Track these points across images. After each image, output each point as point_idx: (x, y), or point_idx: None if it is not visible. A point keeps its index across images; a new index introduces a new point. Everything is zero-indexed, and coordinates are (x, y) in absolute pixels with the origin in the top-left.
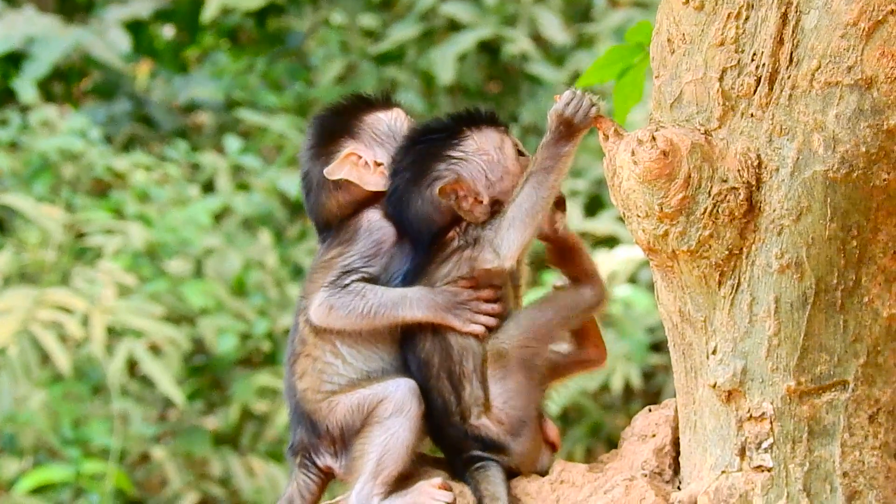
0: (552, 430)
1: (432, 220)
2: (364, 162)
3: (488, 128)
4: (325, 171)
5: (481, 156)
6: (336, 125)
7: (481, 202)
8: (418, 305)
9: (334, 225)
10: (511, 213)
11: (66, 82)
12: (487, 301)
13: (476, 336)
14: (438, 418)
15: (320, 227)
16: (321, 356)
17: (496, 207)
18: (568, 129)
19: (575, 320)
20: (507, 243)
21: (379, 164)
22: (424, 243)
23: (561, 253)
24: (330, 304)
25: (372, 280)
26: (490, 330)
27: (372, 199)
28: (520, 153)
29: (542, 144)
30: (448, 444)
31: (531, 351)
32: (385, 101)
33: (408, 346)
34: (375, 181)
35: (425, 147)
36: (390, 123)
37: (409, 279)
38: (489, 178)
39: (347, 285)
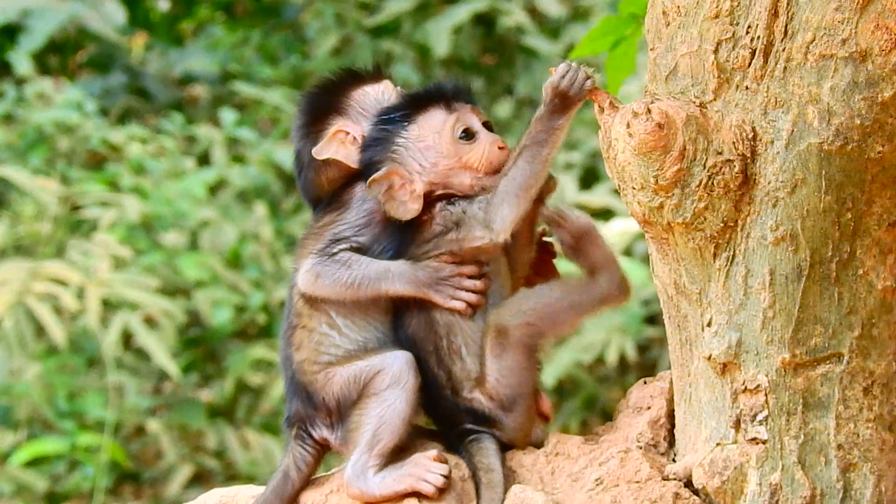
0: (545, 402)
1: None
2: (352, 138)
3: (436, 108)
4: (313, 150)
5: (418, 143)
6: (324, 102)
7: (414, 191)
8: (400, 280)
9: (325, 199)
10: (503, 187)
11: (61, 55)
12: (470, 277)
13: (459, 312)
14: (431, 391)
15: (312, 203)
16: (317, 328)
17: (434, 195)
18: (563, 102)
19: (589, 309)
20: (500, 217)
21: None
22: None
23: (574, 243)
24: (317, 272)
25: (361, 250)
26: (473, 307)
27: (362, 173)
28: (465, 136)
29: (536, 117)
30: (441, 416)
31: (534, 330)
32: (375, 74)
33: (397, 322)
34: None
35: (381, 130)
36: (378, 97)
37: (393, 257)
38: (422, 164)
39: (335, 254)
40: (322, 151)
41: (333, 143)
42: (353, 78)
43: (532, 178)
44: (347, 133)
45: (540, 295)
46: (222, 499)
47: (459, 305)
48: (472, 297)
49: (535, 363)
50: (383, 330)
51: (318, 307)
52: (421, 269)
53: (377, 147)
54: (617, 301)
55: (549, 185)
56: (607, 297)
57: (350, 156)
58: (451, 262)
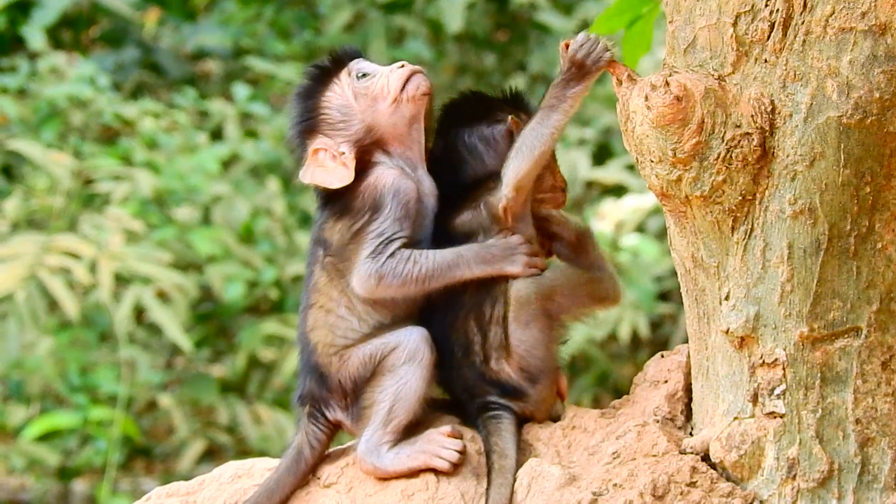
0: (562, 381)
1: (469, 161)
2: (331, 155)
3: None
4: (299, 175)
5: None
6: (301, 115)
7: (344, 153)
8: (475, 262)
9: (330, 194)
10: (514, 146)
11: (74, 30)
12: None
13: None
14: (458, 359)
15: (318, 197)
16: (335, 309)
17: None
18: (579, 71)
19: (587, 303)
20: (507, 174)
21: (343, 153)
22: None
23: (577, 243)
24: (379, 275)
25: (410, 244)
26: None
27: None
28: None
29: (552, 84)
30: (464, 386)
31: (555, 305)
32: (337, 64)
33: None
34: (341, 176)
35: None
36: (340, 102)
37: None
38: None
39: (393, 253)
40: (306, 176)
41: (312, 166)
42: (320, 77)
43: (539, 140)
44: (326, 150)
45: (559, 271)
46: (238, 471)
47: (536, 271)
48: (542, 261)
49: (558, 337)
50: (402, 314)
51: (342, 290)
52: (492, 246)
53: (481, 111)
54: (611, 303)
55: (556, 198)
56: (604, 298)
57: (328, 177)
58: (507, 234)
